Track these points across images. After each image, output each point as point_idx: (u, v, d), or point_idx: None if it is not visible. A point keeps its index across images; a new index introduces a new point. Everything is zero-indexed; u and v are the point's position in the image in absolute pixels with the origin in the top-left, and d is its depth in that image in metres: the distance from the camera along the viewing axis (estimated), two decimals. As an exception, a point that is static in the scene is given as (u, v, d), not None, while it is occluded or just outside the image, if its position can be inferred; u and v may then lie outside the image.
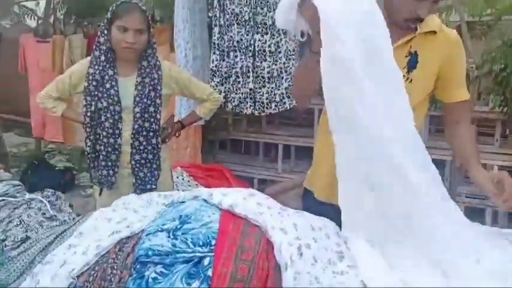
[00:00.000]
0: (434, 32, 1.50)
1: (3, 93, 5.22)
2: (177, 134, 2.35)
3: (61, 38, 4.67)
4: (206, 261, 1.13)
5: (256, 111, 3.56)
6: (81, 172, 4.89)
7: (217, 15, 3.48)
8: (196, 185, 3.61)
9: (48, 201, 1.74)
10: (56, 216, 1.66)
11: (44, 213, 1.63)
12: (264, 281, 1.09)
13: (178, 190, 3.63)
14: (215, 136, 4.56)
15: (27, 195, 1.77)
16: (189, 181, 3.72)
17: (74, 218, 1.65)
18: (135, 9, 1.98)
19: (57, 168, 4.73)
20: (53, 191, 1.89)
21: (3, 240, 1.44)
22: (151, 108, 2.05)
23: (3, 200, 1.64)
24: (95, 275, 1.19)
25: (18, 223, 1.52)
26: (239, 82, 3.54)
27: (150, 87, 2.04)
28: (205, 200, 1.37)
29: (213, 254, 1.14)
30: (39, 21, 5.87)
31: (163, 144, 2.19)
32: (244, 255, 1.12)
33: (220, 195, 1.37)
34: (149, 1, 4.88)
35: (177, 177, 3.66)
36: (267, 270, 1.11)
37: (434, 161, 1.30)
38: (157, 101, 2.07)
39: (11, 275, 1.31)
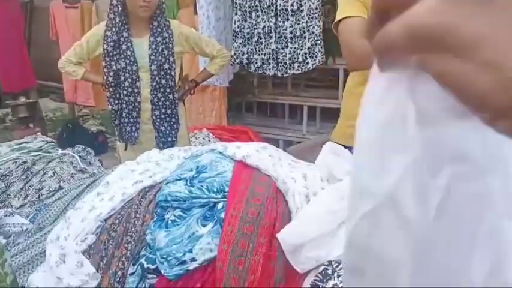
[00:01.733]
0: None
1: (39, 60, 5.41)
2: (192, 92, 2.45)
3: (89, 2, 4.76)
4: (220, 206, 1.23)
5: (279, 72, 3.57)
6: (113, 135, 5.09)
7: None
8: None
9: (79, 156, 1.86)
10: (86, 169, 1.79)
11: (75, 166, 1.76)
12: (272, 223, 1.17)
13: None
14: (241, 99, 4.61)
15: (60, 151, 1.91)
16: (215, 142, 3.83)
17: (102, 171, 1.77)
18: None
19: (90, 132, 4.95)
20: (83, 146, 2.02)
21: (39, 190, 1.58)
22: (166, 66, 2.15)
23: (39, 154, 1.78)
24: (120, 219, 1.31)
25: (52, 175, 1.65)
26: (261, 43, 3.55)
27: (163, 46, 2.14)
28: (220, 152, 1.45)
29: (226, 199, 1.23)
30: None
31: (179, 102, 2.30)
32: (255, 200, 1.21)
33: (234, 147, 1.45)
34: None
35: (203, 138, 3.76)
36: (275, 213, 1.19)
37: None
38: (171, 58, 2.16)
39: (48, 219, 1.44)
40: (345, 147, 1.57)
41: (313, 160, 1.45)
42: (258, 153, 1.40)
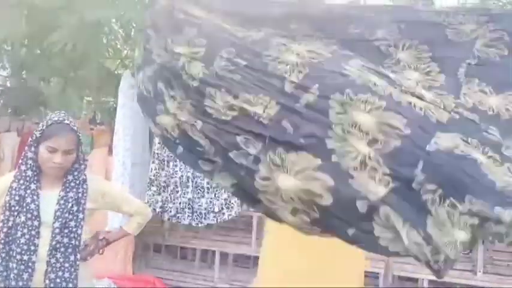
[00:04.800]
0: None
1: None
2: (100, 251, 2.25)
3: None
4: None
5: (194, 222, 3.51)
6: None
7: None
8: (124, 298, 3.39)
9: None
10: None
11: None
12: None
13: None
14: (149, 240, 4.39)
15: None
16: (117, 294, 3.49)
17: None
18: (65, 130, 1.97)
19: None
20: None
21: None
22: (72, 223, 1.99)
23: None
24: None
25: None
26: (177, 191, 3.52)
27: (74, 202, 2.01)
28: None
29: None
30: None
31: (82, 262, 2.07)
32: None
33: None
34: (91, 102, 4.90)
35: (104, 290, 3.42)
36: None
37: None
38: (80, 215, 2.01)
39: None
40: None
41: None
42: None
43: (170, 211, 3.53)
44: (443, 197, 1.06)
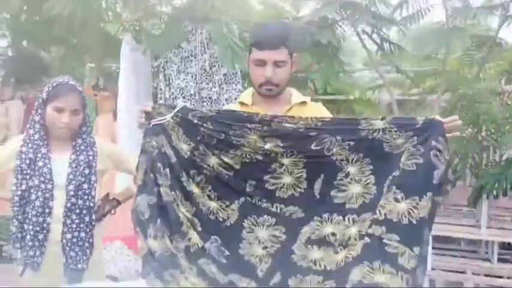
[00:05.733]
0: (305, 103, 1.86)
1: None
2: (112, 212, 2.31)
3: (-3, 103, 4.52)
4: None
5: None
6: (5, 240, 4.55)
7: (163, 89, 3.54)
8: (136, 259, 3.48)
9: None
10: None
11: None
12: None
13: (115, 265, 3.50)
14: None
15: None
16: (128, 255, 3.57)
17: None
18: (71, 90, 1.99)
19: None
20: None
21: None
22: (85, 186, 2.03)
23: None
24: None
25: None
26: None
27: (85, 165, 2.03)
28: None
29: None
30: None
31: (97, 223, 2.13)
32: None
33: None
34: (93, 69, 4.87)
35: (116, 251, 3.50)
36: None
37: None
38: (92, 178, 2.05)
39: None
40: None
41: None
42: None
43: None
44: None
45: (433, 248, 3.91)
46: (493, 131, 3.79)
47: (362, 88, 5.44)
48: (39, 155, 1.98)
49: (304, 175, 1.63)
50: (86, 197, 2.03)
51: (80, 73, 4.95)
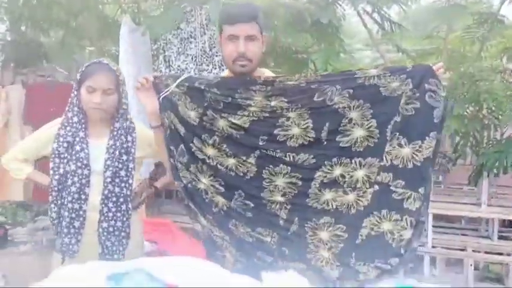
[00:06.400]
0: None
1: None
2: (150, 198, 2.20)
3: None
4: None
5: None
6: (15, 227, 4.59)
7: (163, 71, 3.53)
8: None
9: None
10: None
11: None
12: None
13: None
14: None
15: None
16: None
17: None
18: (103, 69, 1.91)
19: (-14, 224, 4.40)
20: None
21: None
22: (123, 173, 1.96)
23: None
24: None
25: None
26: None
27: (123, 151, 1.96)
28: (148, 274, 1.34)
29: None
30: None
31: (133, 211, 2.05)
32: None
33: (166, 267, 1.35)
34: (93, 52, 4.85)
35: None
36: None
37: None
38: (130, 165, 1.97)
39: None
40: None
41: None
42: (195, 273, 1.32)
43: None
44: None
45: (433, 226, 3.96)
46: (494, 109, 3.77)
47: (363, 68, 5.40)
48: (77, 139, 1.93)
49: (311, 125, 1.73)
50: (123, 185, 1.96)
51: (81, 56, 4.93)
